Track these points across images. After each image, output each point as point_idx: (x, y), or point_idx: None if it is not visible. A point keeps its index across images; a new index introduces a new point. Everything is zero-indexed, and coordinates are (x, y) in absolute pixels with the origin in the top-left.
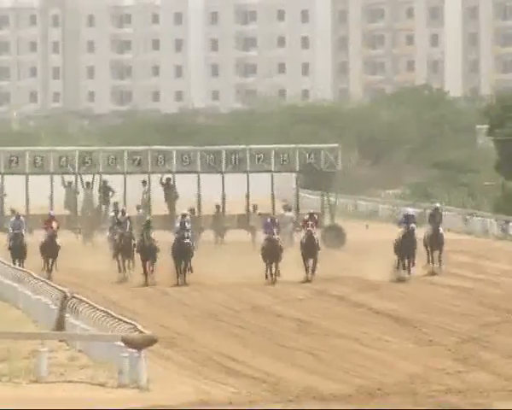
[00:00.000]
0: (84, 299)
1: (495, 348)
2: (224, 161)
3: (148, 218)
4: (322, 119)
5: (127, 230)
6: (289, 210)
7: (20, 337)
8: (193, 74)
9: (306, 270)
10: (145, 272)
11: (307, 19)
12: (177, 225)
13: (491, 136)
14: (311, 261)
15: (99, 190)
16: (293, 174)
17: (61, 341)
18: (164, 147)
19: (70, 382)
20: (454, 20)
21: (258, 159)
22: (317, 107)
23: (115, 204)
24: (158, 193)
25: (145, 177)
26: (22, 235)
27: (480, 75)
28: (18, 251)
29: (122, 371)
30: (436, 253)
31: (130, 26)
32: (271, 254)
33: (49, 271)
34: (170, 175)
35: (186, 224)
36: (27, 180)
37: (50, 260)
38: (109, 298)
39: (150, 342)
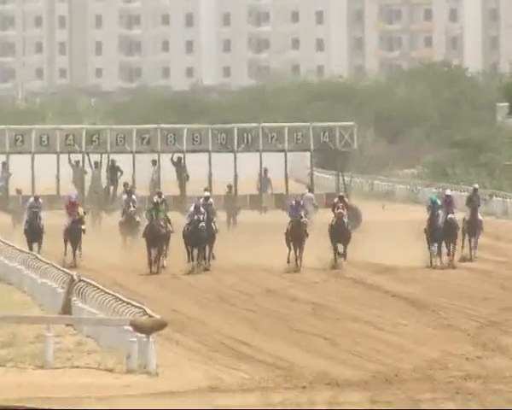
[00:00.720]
0: (92, 282)
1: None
2: (235, 140)
3: (155, 199)
4: (337, 96)
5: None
6: (311, 191)
7: (26, 322)
8: (204, 50)
9: (335, 254)
10: (149, 261)
11: None
12: (192, 208)
13: (511, 114)
14: (341, 246)
15: (107, 170)
16: (308, 153)
17: (67, 325)
18: (174, 125)
19: (77, 367)
20: None
21: (272, 137)
22: (332, 84)
23: (125, 185)
24: (168, 173)
25: (154, 156)
26: (40, 218)
27: (501, 51)
28: (34, 235)
29: (130, 356)
30: (473, 239)
31: (139, 0)
32: (296, 237)
33: (74, 257)
34: (180, 154)
35: (201, 208)
36: (33, 159)
37: (75, 247)
38: (118, 282)
39: (160, 326)
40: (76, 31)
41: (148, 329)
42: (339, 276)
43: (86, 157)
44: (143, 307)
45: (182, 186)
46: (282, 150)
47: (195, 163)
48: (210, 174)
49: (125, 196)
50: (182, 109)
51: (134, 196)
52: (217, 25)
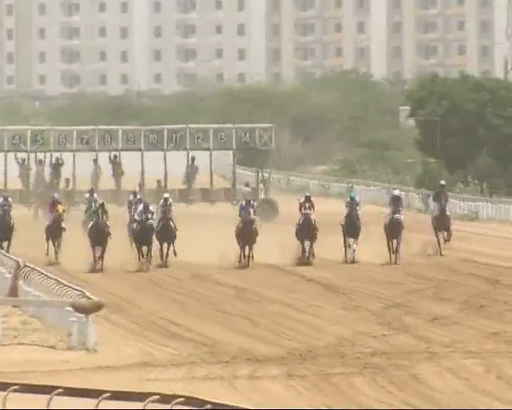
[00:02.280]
0: (36, 268)
1: (417, 313)
2: (165, 140)
3: (101, 201)
4: (257, 100)
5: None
6: (247, 186)
7: None
8: (137, 59)
9: (303, 252)
10: (94, 258)
11: (243, 7)
12: (141, 207)
13: (412, 117)
14: (307, 243)
15: (50, 167)
16: (231, 152)
17: (14, 306)
18: (110, 127)
19: (23, 344)
20: (379, 9)
21: (198, 138)
22: (252, 89)
23: (66, 180)
24: (106, 170)
25: (93, 155)
26: (8, 215)
27: (403, 60)
28: (5, 233)
29: (71, 334)
30: (442, 233)
31: (79, 14)
32: (247, 236)
33: (56, 253)
34: (116, 153)
35: (150, 207)
36: None
37: (56, 244)
38: (63, 269)
39: (97, 307)
40: (22, 42)
41: (86, 310)
42: (260, 263)
43: (31, 155)
44: (83, 290)
45: (117, 181)
46: (208, 149)
47: (129, 161)
48: (142, 171)
49: (87, 196)
50: (117, 112)
51: (96, 195)
52: (149, 37)
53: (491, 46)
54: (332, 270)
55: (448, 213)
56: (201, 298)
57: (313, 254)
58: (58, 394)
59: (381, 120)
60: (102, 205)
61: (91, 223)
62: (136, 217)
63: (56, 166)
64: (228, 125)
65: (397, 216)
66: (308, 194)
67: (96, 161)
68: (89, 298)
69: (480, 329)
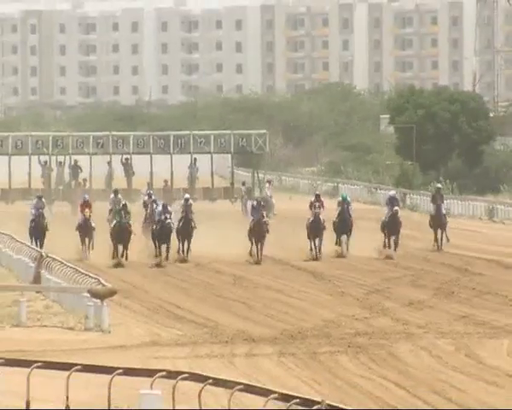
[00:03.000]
0: (57, 258)
1: (395, 298)
2: (172, 144)
3: (124, 202)
4: (253, 109)
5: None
6: (244, 185)
7: (4, 290)
8: (146, 72)
9: (311, 249)
10: (116, 255)
11: (240, 27)
12: (160, 208)
13: (391, 124)
14: (317, 241)
15: (69, 168)
16: (229, 155)
17: (37, 292)
18: (123, 133)
19: (45, 326)
20: (361, 28)
21: (200, 142)
22: (249, 99)
23: (84, 180)
24: (118, 171)
25: (107, 158)
26: (43, 215)
27: (383, 74)
28: (38, 232)
29: (88, 317)
30: (438, 231)
31: (95, 32)
32: (258, 234)
33: (88, 249)
34: (127, 156)
35: (168, 207)
36: (10, 160)
37: (87, 241)
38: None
39: (111, 293)
40: (44, 57)
41: (102, 295)
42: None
43: (52, 158)
44: (98, 277)
45: (129, 181)
46: (209, 152)
47: (140, 163)
48: (151, 172)
49: (112, 196)
50: (129, 120)
51: (120, 196)
52: (156, 53)
53: (461, 61)
54: (320, 260)
55: (444, 211)
56: (202, 284)
57: (320, 251)
58: (76, 370)
59: (363, 126)
60: (125, 206)
61: (114, 222)
62: (156, 217)
63: (74, 168)
64: (227, 131)
65: (396, 209)
66: (318, 192)
67: (109, 163)
68: (103, 285)
69: (451, 312)
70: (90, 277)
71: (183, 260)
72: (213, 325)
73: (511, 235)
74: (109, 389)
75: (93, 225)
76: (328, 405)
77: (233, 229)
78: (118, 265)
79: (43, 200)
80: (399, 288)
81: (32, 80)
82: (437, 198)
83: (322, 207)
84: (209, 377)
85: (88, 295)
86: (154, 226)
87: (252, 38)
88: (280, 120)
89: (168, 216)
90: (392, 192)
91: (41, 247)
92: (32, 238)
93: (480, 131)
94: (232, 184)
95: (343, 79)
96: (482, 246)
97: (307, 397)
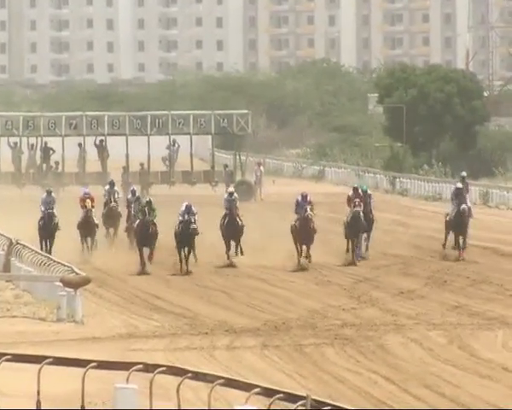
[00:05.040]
0: (28, 245)
1: (384, 287)
2: (149, 125)
3: (148, 198)
4: (234, 88)
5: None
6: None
7: None
8: (122, 49)
9: (348, 250)
10: (142, 258)
11: (221, 1)
12: (183, 208)
13: (380, 104)
14: (358, 242)
15: (40, 150)
16: (209, 136)
17: (7, 281)
18: (97, 113)
19: (15, 317)
20: (349, 2)
21: (179, 123)
22: (230, 78)
23: (56, 163)
24: (92, 153)
25: (80, 139)
26: (54, 215)
27: (371, 51)
28: (48, 232)
29: (60, 307)
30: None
31: (67, 7)
32: (304, 234)
33: (90, 249)
34: (102, 137)
35: (192, 207)
36: None
37: (89, 240)
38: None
39: (85, 282)
40: (14, 33)
41: (75, 284)
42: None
43: (23, 140)
44: (71, 265)
45: (103, 164)
46: (188, 134)
47: (115, 145)
48: (127, 154)
49: (107, 187)
50: (103, 99)
51: (116, 188)
52: (133, 28)
53: (454, 37)
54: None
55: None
56: (181, 273)
57: (358, 256)
58: (48, 363)
59: (351, 106)
60: (149, 203)
61: (137, 222)
62: (179, 218)
63: (46, 150)
64: (207, 111)
65: (464, 207)
66: (356, 186)
67: (80, 145)
68: (77, 273)
69: (443, 302)
70: (62, 265)
71: (231, 265)
72: (193, 316)
73: (507, 221)
74: (83, 383)
75: (96, 221)
76: (314, 400)
77: (213, 215)
78: (143, 273)
79: (53, 195)
80: (389, 277)
81: (0, 58)
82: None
83: (363, 203)
84: (188, 371)
85: (60, 284)
86: (177, 227)
87: (233, 13)
88: (263, 99)
89: (193, 220)
90: (459, 184)
91: (50, 248)
92: (40, 239)
93: (474, 112)
94: (213, 167)
95: (329, 56)
96: (476, 232)
97: (292, 392)
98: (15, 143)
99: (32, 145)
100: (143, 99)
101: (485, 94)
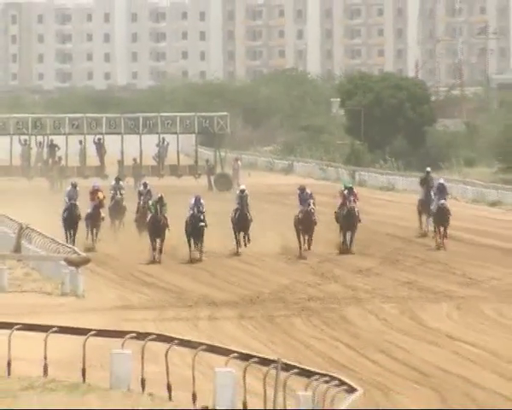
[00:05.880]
0: (36, 229)
1: (345, 266)
2: (141, 125)
3: (160, 194)
4: (215, 93)
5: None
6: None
7: None
8: (118, 60)
9: (343, 243)
10: (154, 249)
11: (204, 17)
12: (192, 201)
13: (342, 107)
14: (349, 234)
15: (47, 147)
16: (193, 135)
17: (18, 261)
18: (96, 115)
19: (25, 292)
20: (314, 18)
21: (167, 124)
22: (212, 84)
23: (59, 158)
24: (91, 149)
25: (81, 137)
26: (77, 206)
27: (334, 61)
28: (72, 222)
29: (64, 283)
30: (427, 215)
31: (70, 22)
32: (306, 226)
33: (93, 240)
34: (100, 136)
35: (201, 200)
36: None
37: (94, 231)
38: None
39: (86, 261)
40: (24, 45)
41: (77, 263)
42: (219, 225)
43: (32, 138)
44: (74, 247)
45: (101, 159)
46: (175, 133)
47: (111, 142)
48: (122, 151)
49: (113, 183)
50: (101, 103)
51: (122, 183)
52: (127, 41)
53: (405, 49)
54: (276, 232)
55: (433, 196)
56: (170, 254)
57: (351, 245)
58: (53, 331)
59: (316, 109)
60: (161, 198)
61: (149, 216)
62: (190, 211)
63: (51, 147)
64: (191, 113)
65: (443, 202)
66: (350, 185)
67: (81, 142)
68: (79, 254)
69: (396, 279)
70: (66, 246)
71: (238, 254)
72: (179, 291)
73: (451, 209)
74: (84, 348)
75: (102, 215)
76: (284, 363)
77: None
78: (154, 261)
79: (77, 188)
80: (349, 257)
81: (12, 66)
82: (428, 182)
83: (357, 199)
84: (175, 338)
85: (64, 263)
86: (187, 220)
87: (214, 27)
88: (240, 103)
89: (202, 217)
90: (442, 180)
91: (73, 238)
92: (65, 228)
93: (423, 115)
94: (196, 161)
95: (298, 65)
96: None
97: (265, 356)
98: (25, 141)
99: (40, 143)
100: (136, 103)
101: (433, 99)
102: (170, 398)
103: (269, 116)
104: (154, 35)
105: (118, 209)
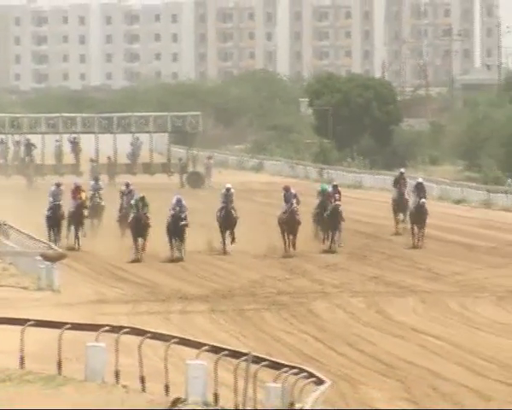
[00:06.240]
0: (13, 225)
1: (313, 261)
2: (115, 125)
3: (141, 194)
4: (188, 93)
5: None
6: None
7: None
8: (93, 61)
9: (324, 240)
10: (136, 249)
11: (176, 20)
12: (174, 200)
13: (310, 106)
14: (332, 233)
15: (24, 146)
16: (166, 134)
17: None
18: (71, 114)
19: (2, 286)
20: (284, 21)
21: (141, 123)
22: (184, 85)
23: (33, 156)
24: (67, 147)
25: (57, 136)
26: (61, 206)
27: (302, 62)
28: (55, 221)
29: (40, 278)
30: (401, 214)
31: (47, 25)
32: (290, 225)
33: (76, 239)
34: (76, 135)
35: (182, 201)
36: None
37: (78, 231)
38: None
39: (61, 257)
40: (1, 47)
41: (53, 258)
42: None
43: (9, 137)
44: (50, 243)
45: (77, 157)
46: (148, 132)
47: (86, 141)
48: (97, 149)
49: (92, 183)
50: (76, 103)
51: (101, 183)
52: (101, 43)
53: (372, 51)
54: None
55: (406, 196)
56: (149, 251)
57: (339, 244)
58: (30, 325)
59: (285, 109)
60: (143, 198)
61: (131, 216)
62: (171, 211)
63: (28, 146)
64: (164, 113)
65: (423, 201)
66: (336, 183)
67: (57, 141)
68: (55, 249)
69: (363, 273)
70: (42, 242)
71: (226, 252)
72: (152, 285)
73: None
74: (59, 341)
75: (85, 213)
76: (255, 356)
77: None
78: (137, 260)
79: (62, 188)
80: (317, 252)
81: None
82: (400, 182)
83: (340, 197)
84: (148, 332)
85: (40, 258)
86: (169, 219)
87: (186, 30)
88: (211, 103)
89: (183, 216)
90: (420, 179)
91: (58, 237)
92: (48, 227)
93: (389, 114)
94: (169, 160)
95: (267, 66)
96: (391, 215)
97: (235, 349)
98: (2, 140)
99: (17, 142)
100: (110, 103)
101: (399, 99)
102: (143, 390)
103: (239, 116)
104: (128, 37)
105: (96, 209)
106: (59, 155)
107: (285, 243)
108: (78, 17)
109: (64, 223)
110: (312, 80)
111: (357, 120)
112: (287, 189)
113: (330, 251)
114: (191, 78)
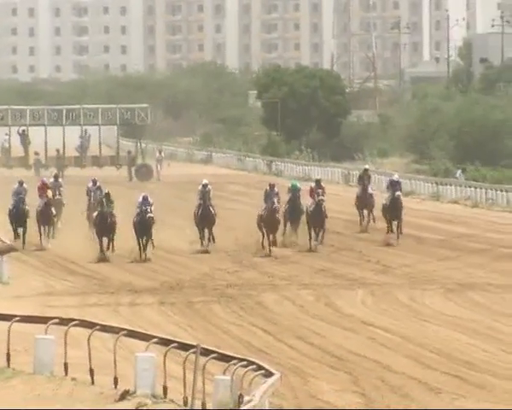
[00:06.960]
0: None
1: (262, 253)
2: (64, 117)
3: (107, 190)
4: (136, 86)
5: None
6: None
7: None
8: (42, 53)
9: (311, 239)
10: (101, 247)
11: (125, 12)
12: (140, 199)
13: (258, 99)
14: (317, 230)
15: None
16: (115, 127)
17: None
18: (20, 107)
19: None
20: (233, 13)
21: (90, 115)
22: (133, 77)
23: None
24: (15, 140)
25: (6, 129)
26: (24, 200)
27: (251, 55)
28: (19, 218)
29: None
30: (364, 210)
31: None
32: (270, 224)
33: (46, 237)
34: (24, 127)
35: (149, 198)
36: None
37: (47, 230)
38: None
39: (11, 249)
40: None
41: (2, 251)
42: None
43: None
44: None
45: (25, 149)
46: (97, 124)
47: (35, 133)
48: (46, 141)
49: (51, 180)
50: (25, 95)
51: (60, 180)
52: (51, 35)
53: (321, 44)
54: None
55: (370, 191)
56: (94, 243)
57: (322, 242)
58: None
59: (234, 101)
60: (107, 195)
61: (96, 213)
62: (137, 209)
63: None
64: (113, 105)
65: (398, 193)
66: (319, 178)
67: (6, 134)
68: (4, 242)
69: (312, 266)
70: None
71: (206, 251)
72: (101, 278)
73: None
74: (8, 334)
75: (53, 211)
76: (203, 348)
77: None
78: (102, 259)
79: (25, 185)
80: (266, 246)
81: None
82: (364, 179)
83: (324, 194)
84: (97, 324)
85: None
86: (135, 218)
87: (135, 22)
88: (160, 95)
89: (149, 209)
90: (396, 176)
91: (24, 234)
92: (12, 225)
93: (337, 106)
94: (118, 152)
95: (216, 59)
96: (339, 208)
97: (184, 341)
98: None
99: None
100: (59, 95)
101: (347, 91)
102: (92, 382)
103: (188, 108)
104: (77, 29)
105: (58, 206)
106: (7, 147)
107: (263, 243)
108: (27, 9)
109: (30, 222)
110: (261, 73)
111: (304, 111)
112: (272, 186)
113: (313, 251)
114: (140, 70)
